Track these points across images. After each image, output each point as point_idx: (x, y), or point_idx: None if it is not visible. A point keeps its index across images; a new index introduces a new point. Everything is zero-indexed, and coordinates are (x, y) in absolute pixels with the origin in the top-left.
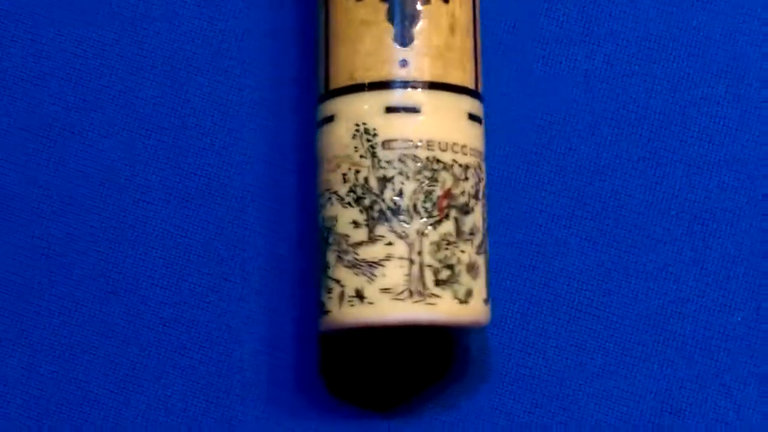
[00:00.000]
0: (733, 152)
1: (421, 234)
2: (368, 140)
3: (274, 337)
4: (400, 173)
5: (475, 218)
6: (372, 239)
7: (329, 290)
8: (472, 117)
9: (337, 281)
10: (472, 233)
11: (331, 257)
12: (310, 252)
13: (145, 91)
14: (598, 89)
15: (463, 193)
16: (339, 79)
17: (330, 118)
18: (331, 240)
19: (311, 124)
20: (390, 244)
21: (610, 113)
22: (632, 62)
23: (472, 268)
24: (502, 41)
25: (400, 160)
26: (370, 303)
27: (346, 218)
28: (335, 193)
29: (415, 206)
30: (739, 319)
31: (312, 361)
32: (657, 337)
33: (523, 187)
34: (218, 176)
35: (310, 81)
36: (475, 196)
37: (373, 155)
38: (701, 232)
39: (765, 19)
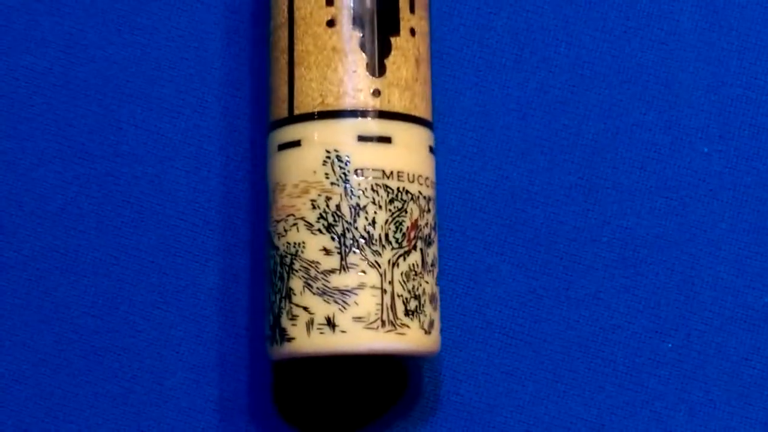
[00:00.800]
0: (664, 179)
1: (393, 264)
2: (341, 167)
3: (226, 364)
4: (373, 202)
5: (434, 250)
6: (344, 267)
7: (293, 317)
8: (431, 149)
9: (305, 308)
10: (433, 264)
11: (297, 284)
12: (260, 279)
13: (79, 120)
14: (530, 116)
15: (426, 224)
16: (306, 105)
17: (296, 143)
18: (296, 266)
19: (260, 149)
20: (363, 272)
21: (542, 140)
22: (564, 89)
23: (433, 298)
24: (433, 69)
25: (372, 189)
26: (343, 331)
27: (315, 245)
28: (302, 218)
29: (387, 236)
30: (670, 345)
31: (265, 388)
32: (588, 363)
33: (455, 214)
34: (165, 200)
35: (255, 106)
36: (434, 228)
37: (346, 182)
38: (632, 259)
39: (697, 46)
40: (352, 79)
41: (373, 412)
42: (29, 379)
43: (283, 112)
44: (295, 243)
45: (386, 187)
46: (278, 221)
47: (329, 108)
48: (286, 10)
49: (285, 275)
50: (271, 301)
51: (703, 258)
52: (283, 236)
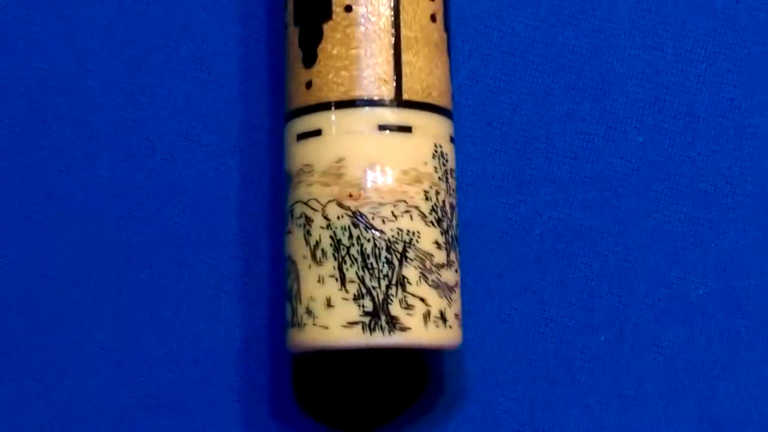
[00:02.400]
0: (597, 169)
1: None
2: (443, 164)
3: (246, 356)
4: (456, 206)
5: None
6: (449, 263)
7: (408, 306)
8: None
9: (422, 299)
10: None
11: (412, 273)
12: (281, 270)
13: (95, 116)
14: (462, 105)
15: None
16: (415, 93)
17: (407, 129)
18: (411, 255)
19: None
20: (457, 271)
21: (474, 129)
22: (497, 78)
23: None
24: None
25: (455, 191)
26: (450, 327)
27: (429, 237)
28: (416, 207)
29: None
30: (603, 339)
31: (286, 381)
32: (520, 357)
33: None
34: (191, 190)
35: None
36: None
37: (446, 180)
38: (565, 251)
39: (632, 34)
40: (447, 79)
41: (395, 406)
42: (61, 373)
43: (391, 95)
44: (408, 230)
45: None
46: (382, 204)
47: (435, 102)
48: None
49: (395, 262)
50: (368, 285)
51: (638, 250)
52: (392, 221)
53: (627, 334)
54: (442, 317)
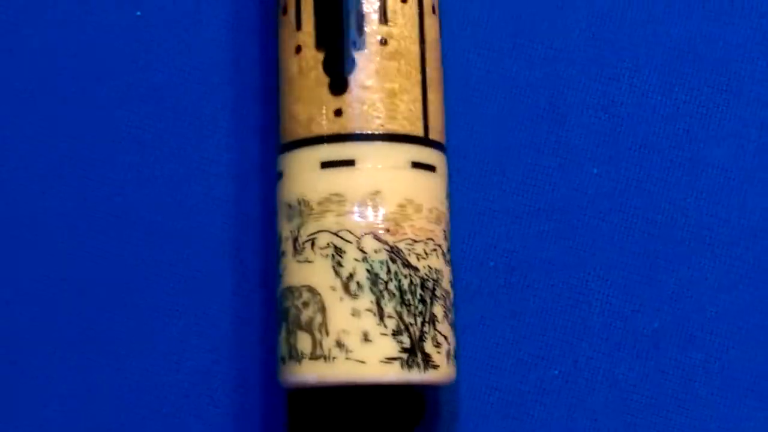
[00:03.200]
0: (552, 201)
1: None
2: (448, 206)
3: (238, 391)
4: None
5: None
6: (451, 305)
7: (438, 344)
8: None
9: (445, 337)
10: None
11: (439, 311)
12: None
13: (87, 136)
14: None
15: None
16: (435, 133)
17: (431, 168)
18: (438, 293)
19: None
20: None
21: None
22: (451, 109)
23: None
24: None
25: None
26: (455, 365)
27: (447, 276)
28: (440, 246)
29: None
30: (557, 372)
31: (278, 417)
32: (473, 390)
33: None
34: (185, 212)
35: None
36: None
37: (447, 222)
38: (519, 284)
39: (586, 64)
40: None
41: None
42: (43, 401)
43: (421, 133)
44: (436, 269)
45: None
46: (416, 241)
47: (443, 142)
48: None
49: (427, 300)
50: (406, 321)
51: (592, 282)
52: (424, 259)
53: (581, 368)
54: (454, 354)
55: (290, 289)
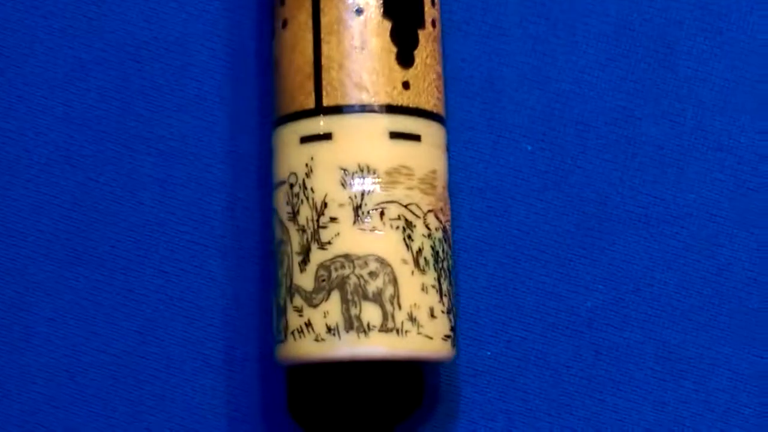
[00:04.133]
0: (486, 178)
1: None
2: None
3: (236, 368)
4: None
5: None
6: None
7: (455, 324)
8: None
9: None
10: None
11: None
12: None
13: (84, 123)
14: None
15: None
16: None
17: (415, 137)
18: (453, 276)
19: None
20: None
21: None
22: None
23: None
24: None
25: None
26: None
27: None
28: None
29: None
30: (489, 353)
31: (278, 393)
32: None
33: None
34: (181, 198)
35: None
36: None
37: None
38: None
39: (522, 40)
40: None
41: (390, 418)
42: (49, 382)
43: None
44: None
45: None
46: (449, 222)
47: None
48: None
49: (454, 280)
50: (452, 301)
51: (525, 261)
52: (450, 239)
53: (514, 348)
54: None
55: (349, 258)
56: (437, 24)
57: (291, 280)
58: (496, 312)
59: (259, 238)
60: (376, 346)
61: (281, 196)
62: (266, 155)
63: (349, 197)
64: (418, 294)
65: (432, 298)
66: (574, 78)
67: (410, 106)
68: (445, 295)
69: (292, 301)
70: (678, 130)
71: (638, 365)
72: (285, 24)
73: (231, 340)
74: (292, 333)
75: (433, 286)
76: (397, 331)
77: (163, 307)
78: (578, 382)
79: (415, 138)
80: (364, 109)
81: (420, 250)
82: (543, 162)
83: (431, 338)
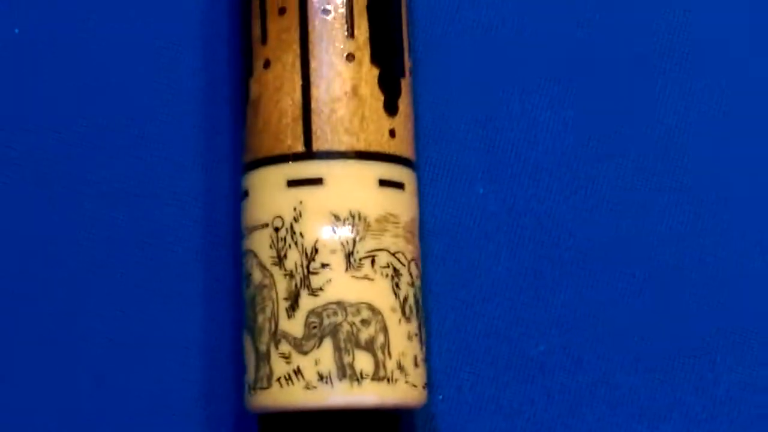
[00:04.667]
0: (440, 221)
1: None
2: None
3: (211, 417)
4: None
5: None
6: None
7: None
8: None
9: None
10: None
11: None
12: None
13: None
14: None
15: None
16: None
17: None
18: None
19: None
20: None
21: None
22: None
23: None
24: None
25: None
26: None
27: None
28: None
29: None
30: (441, 398)
31: None
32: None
33: None
34: (155, 232)
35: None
36: None
37: None
38: None
39: (470, 80)
40: None
41: None
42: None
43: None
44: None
45: None
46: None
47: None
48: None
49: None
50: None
51: (477, 304)
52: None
53: (465, 392)
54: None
55: (341, 305)
56: (410, 73)
57: (276, 325)
58: (447, 355)
59: (233, 281)
60: (369, 394)
61: (262, 239)
62: (237, 197)
63: (341, 243)
64: (405, 342)
65: (416, 347)
66: (526, 120)
67: (396, 154)
68: (424, 344)
69: (277, 348)
70: (628, 171)
71: (591, 408)
72: (267, 64)
73: (203, 388)
74: (278, 380)
75: (416, 335)
76: (388, 379)
77: (140, 336)
78: (531, 426)
79: (400, 186)
80: (357, 155)
81: (406, 299)
82: (495, 204)
83: (416, 386)
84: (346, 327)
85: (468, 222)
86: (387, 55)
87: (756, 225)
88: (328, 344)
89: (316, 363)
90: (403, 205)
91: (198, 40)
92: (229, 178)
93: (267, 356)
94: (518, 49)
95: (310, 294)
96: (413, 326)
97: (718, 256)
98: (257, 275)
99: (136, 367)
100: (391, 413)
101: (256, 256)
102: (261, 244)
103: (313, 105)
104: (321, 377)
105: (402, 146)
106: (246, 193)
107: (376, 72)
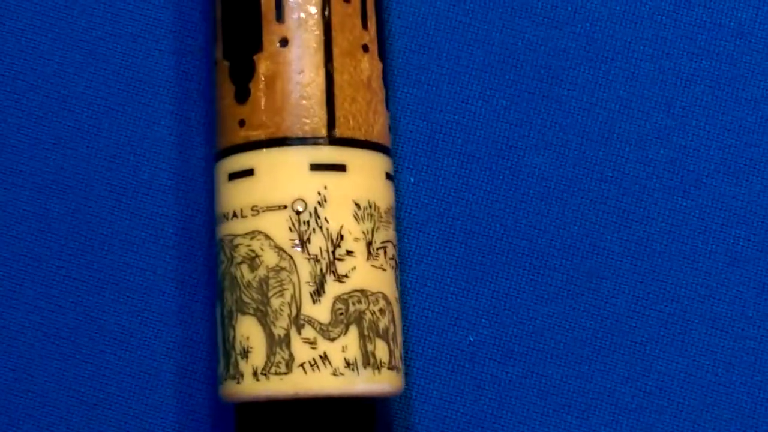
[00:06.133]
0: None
1: None
2: None
3: (185, 406)
4: None
5: None
6: None
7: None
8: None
9: None
10: None
11: None
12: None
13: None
14: None
15: None
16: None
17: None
18: None
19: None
20: None
21: None
22: None
23: None
24: None
25: None
26: None
27: None
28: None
29: None
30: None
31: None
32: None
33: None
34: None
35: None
36: None
37: None
38: None
39: (407, 69)
40: None
41: None
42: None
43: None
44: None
45: None
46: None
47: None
48: None
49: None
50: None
51: (407, 295)
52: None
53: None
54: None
55: (364, 293)
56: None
57: (299, 309)
58: None
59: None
60: (385, 383)
61: (277, 221)
62: (210, 185)
63: (362, 232)
64: (402, 333)
65: (401, 338)
66: (457, 108)
67: (391, 147)
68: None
69: (299, 332)
70: (562, 160)
71: (520, 400)
72: (285, 42)
73: (183, 378)
74: (302, 365)
75: (404, 326)
76: (396, 369)
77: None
78: (460, 417)
79: (392, 179)
80: (373, 146)
81: (401, 291)
82: (425, 194)
83: (406, 375)
84: (368, 315)
85: (399, 212)
86: (384, 52)
87: (685, 215)
88: (354, 331)
89: (343, 350)
90: (392, 198)
91: (169, 25)
92: (202, 165)
93: (286, 340)
94: (450, 35)
95: (336, 280)
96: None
97: (648, 246)
98: (271, 257)
99: (117, 354)
100: (368, 402)
101: (267, 237)
102: (276, 225)
103: (337, 91)
104: (348, 364)
105: (389, 140)
106: (249, 172)
107: (381, 66)
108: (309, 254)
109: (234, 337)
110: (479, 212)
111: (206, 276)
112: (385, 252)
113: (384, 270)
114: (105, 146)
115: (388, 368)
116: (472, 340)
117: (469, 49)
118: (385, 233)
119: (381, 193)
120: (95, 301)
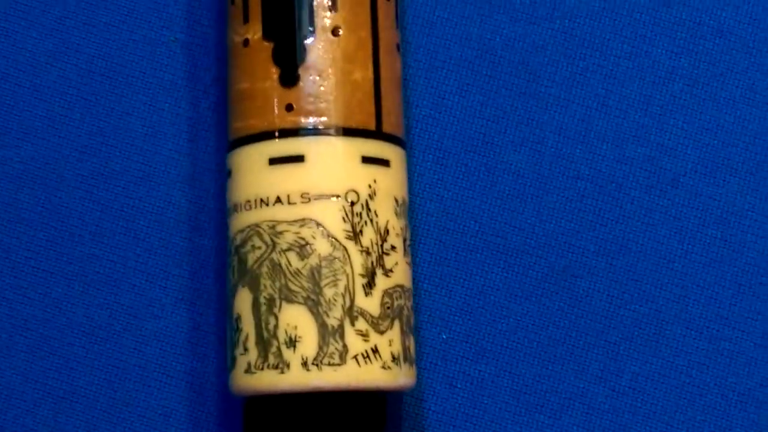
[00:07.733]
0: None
1: None
2: None
3: (194, 401)
4: None
5: None
6: None
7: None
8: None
9: None
10: None
11: None
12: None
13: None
14: None
15: None
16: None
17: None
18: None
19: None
20: None
21: None
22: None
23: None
24: None
25: None
26: None
27: None
28: None
29: None
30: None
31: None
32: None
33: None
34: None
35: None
36: None
37: None
38: None
39: None
40: None
41: None
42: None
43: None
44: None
45: None
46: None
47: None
48: None
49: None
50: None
51: None
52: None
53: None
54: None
55: (403, 289)
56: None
57: (352, 301)
58: None
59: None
60: (413, 377)
61: (331, 210)
62: (222, 177)
63: (401, 228)
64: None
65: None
66: (433, 103)
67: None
68: None
69: (353, 324)
70: (538, 156)
71: (493, 399)
72: (336, 31)
73: (196, 368)
74: (355, 357)
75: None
76: (410, 361)
77: (126, 329)
78: (431, 416)
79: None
80: (403, 144)
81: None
82: None
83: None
84: (406, 311)
85: None
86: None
87: (661, 214)
88: (397, 326)
89: (390, 344)
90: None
91: (182, 19)
92: (215, 155)
93: (340, 331)
94: (428, 30)
95: (383, 274)
96: None
97: (623, 246)
98: (324, 246)
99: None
100: (381, 395)
101: (320, 225)
102: (330, 214)
103: (382, 85)
104: (394, 358)
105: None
106: (298, 158)
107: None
108: (361, 246)
109: (277, 325)
110: (453, 209)
111: (216, 267)
112: (410, 249)
113: (410, 266)
114: (112, 137)
115: (413, 363)
116: (444, 337)
117: (447, 44)
118: (408, 231)
119: (407, 191)
120: (102, 294)
